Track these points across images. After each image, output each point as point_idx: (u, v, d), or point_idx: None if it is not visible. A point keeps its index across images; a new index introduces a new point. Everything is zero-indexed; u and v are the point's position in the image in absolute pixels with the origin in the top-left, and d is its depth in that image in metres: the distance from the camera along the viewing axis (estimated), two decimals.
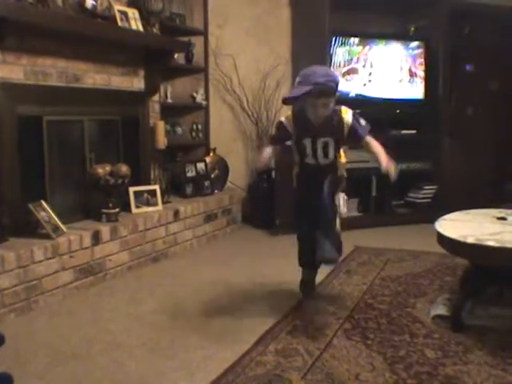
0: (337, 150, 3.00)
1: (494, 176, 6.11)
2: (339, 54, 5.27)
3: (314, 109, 2.86)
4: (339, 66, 5.26)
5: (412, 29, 5.86)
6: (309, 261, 3.15)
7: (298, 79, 2.87)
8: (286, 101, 2.94)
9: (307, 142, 2.95)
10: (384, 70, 5.52)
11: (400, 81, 5.61)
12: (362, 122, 2.96)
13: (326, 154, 2.97)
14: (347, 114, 2.92)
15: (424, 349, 2.61)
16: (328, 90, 2.82)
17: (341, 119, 2.91)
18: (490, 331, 2.78)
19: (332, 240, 2.87)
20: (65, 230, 3.52)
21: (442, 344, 2.66)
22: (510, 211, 3.22)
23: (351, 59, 5.34)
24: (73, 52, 3.84)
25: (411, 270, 3.93)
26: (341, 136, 2.93)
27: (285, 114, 3.05)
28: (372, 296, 3.35)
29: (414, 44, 5.68)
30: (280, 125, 3.03)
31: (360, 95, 5.36)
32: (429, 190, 5.71)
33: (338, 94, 2.92)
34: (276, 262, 4.17)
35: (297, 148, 3.03)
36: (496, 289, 3.14)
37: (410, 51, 5.65)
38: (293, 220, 3.27)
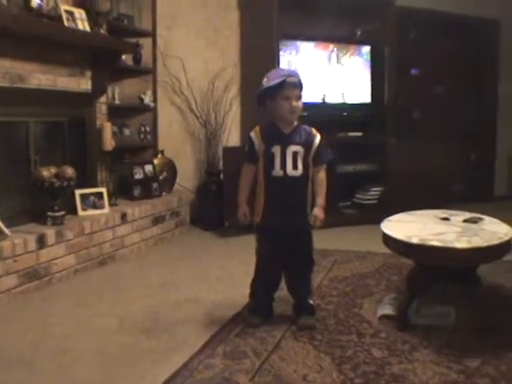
0: (306, 167, 2.85)
1: (439, 177, 6.24)
2: (287, 56, 5.31)
3: (288, 102, 2.77)
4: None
5: (359, 32, 5.94)
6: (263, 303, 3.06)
7: (265, 79, 2.84)
8: (260, 95, 2.86)
9: (276, 151, 2.81)
10: (331, 73, 5.59)
11: (347, 84, 5.68)
12: (328, 149, 2.96)
13: (295, 166, 2.82)
14: (317, 135, 2.90)
15: (371, 348, 2.65)
16: (299, 81, 2.82)
17: (312, 135, 2.88)
18: (434, 329, 2.84)
19: (308, 300, 2.99)
20: (8, 233, 3.44)
21: (388, 343, 2.70)
22: (452, 212, 3.30)
23: (298, 62, 5.38)
24: (17, 52, 3.74)
25: (358, 270, 3.99)
26: (309, 150, 2.84)
27: (254, 129, 2.91)
28: (320, 297, 3.38)
29: (361, 47, 5.76)
30: (248, 140, 2.90)
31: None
32: (375, 192, 5.79)
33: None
34: (225, 263, 4.17)
35: (264, 160, 2.84)
36: (440, 287, 3.22)
37: (358, 54, 5.73)
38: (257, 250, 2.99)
